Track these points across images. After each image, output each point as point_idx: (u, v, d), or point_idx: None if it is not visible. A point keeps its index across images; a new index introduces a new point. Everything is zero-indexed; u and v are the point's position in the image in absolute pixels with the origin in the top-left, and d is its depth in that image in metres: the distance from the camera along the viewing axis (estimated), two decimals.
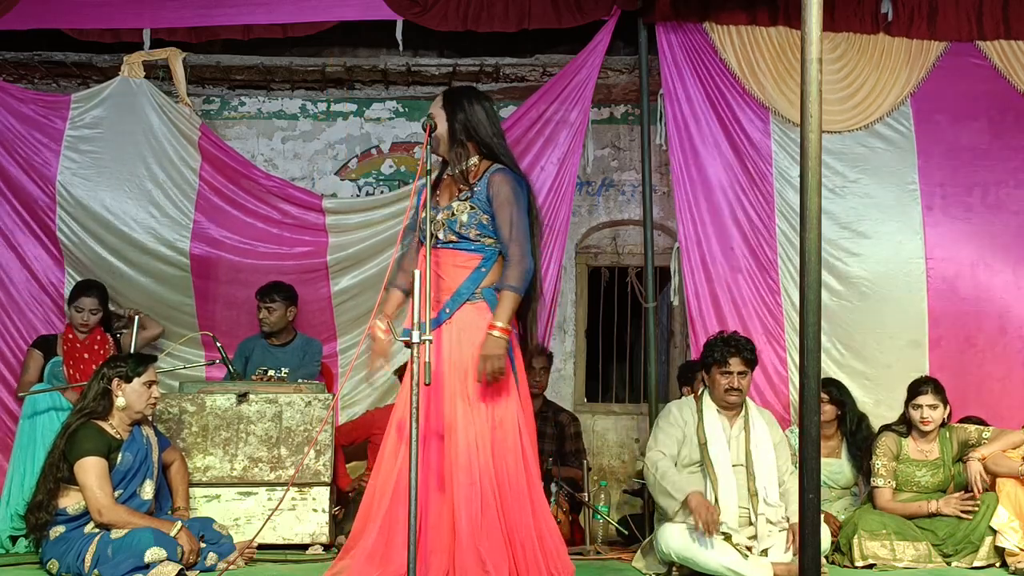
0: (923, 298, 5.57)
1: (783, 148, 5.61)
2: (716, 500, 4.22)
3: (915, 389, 4.85)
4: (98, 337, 5.40)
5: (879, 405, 5.35)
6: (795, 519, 4.14)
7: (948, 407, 4.84)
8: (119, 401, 4.23)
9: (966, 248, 5.63)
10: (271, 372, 5.01)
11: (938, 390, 4.80)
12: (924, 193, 5.63)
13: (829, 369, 5.36)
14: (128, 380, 4.25)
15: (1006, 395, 5.50)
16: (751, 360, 4.43)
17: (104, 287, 5.49)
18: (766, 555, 4.16)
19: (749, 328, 5.49)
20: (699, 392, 4.59)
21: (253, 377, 5.04)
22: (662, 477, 4.22)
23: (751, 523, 4.26)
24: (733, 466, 4.33)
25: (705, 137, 5.64)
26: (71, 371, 5.24)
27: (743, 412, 4.48)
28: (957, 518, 4.61)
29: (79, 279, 5.62)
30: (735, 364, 4.37)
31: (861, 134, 5.68)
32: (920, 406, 4.78)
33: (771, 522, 4.24)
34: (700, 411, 4.44)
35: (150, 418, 4.38)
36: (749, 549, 4.15)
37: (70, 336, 5.37)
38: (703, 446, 4.35)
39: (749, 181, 5.62)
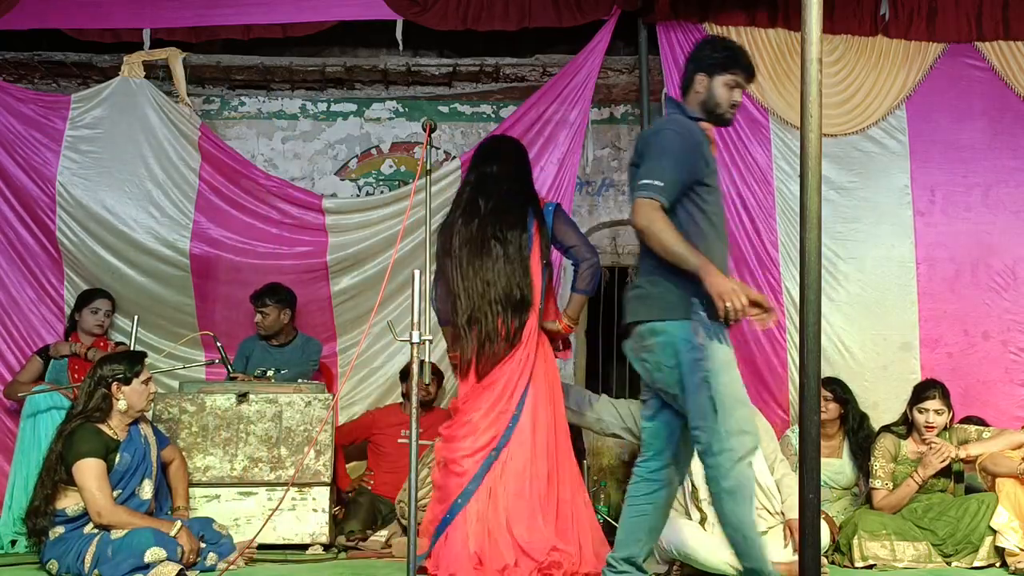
0: (914, 301, 5.58)
1: (781, 150, 5.61)
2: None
3: (921, 393, 4.83)
4: (100, 344, 5.40)
5: (873, 407, 5.33)
6: (791, 514, 4.17)
7: (952, 412, 4.85)
8: (120, 404, 4.22)
9: (959, 250, 5.63)
10: (269, 373, 5.02)
11: (945, 394, 4.80)
12: (916, 197, 5.64)
13: (825, 371, 5.35)
14: (127, 382, 4.24)
15: (993, 399, 5.50)
16: None
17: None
18: None
19: (746, 327, 5.49)
20: None
21: (248, 377, 5.05)
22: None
23: None
24: None
25: None
26: (75, 375, 5.23)
27: None
28: (954, 496, 4.69)
29: (78, 280, 5.62)
30: None
31: (856, 138, 5.68)
32: (927, 410, 4.77)
33: (768, 511, 4.28)
34: None
35: (148, 415, 4.36)
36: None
37: (74, 344, 5.36)
38: None
39: (748, 182, 5.61)
